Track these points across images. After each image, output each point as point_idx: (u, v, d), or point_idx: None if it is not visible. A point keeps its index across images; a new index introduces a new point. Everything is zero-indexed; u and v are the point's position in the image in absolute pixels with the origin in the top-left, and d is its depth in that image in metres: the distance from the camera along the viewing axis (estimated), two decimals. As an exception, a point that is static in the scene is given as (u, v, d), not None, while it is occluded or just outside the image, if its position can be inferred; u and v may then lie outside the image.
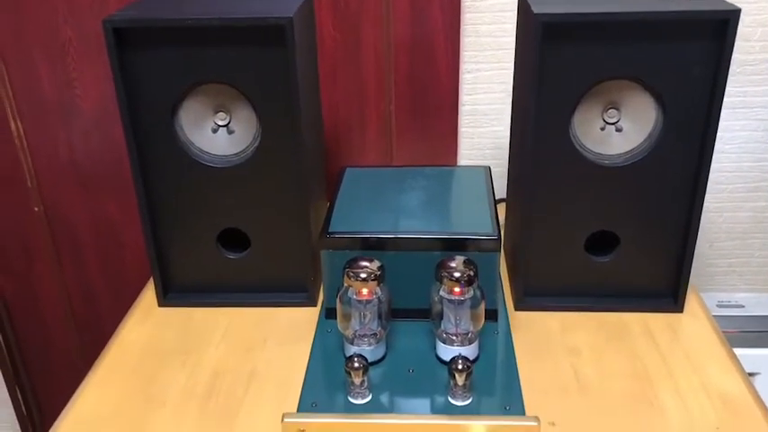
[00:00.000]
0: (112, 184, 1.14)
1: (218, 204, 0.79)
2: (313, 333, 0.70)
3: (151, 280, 0.85)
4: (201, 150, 0.77)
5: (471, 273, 0.61)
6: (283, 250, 0.81)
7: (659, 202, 0.75)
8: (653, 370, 0.72)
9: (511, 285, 0.84)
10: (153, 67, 0.72)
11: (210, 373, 0.73)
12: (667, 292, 0.80)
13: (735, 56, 1.02)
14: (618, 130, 0.74)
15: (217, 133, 0.77)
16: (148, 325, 0.81)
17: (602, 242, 0.79)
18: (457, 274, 0.61)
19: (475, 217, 0.72)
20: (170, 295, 0.84)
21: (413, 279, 0.68)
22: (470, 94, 1.08)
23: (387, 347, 0.66)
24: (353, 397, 0.60)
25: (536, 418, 0.57)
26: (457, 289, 0.61)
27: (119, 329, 0.81)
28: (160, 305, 0.84)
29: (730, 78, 1.04)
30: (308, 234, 0.79)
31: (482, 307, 0.63)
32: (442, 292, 0.62)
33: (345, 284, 0.62)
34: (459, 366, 0.58)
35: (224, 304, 0.83)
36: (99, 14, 1.01)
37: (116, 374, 0.74)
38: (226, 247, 0.82)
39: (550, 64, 0.70)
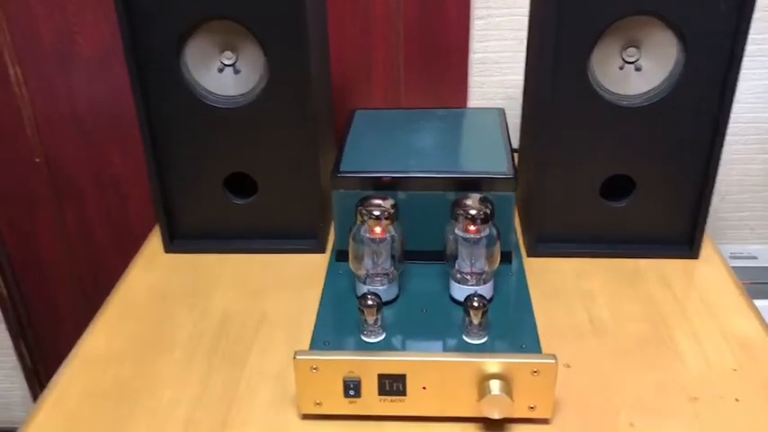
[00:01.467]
0: (115, 135, 1.12)
1: (224, 147, 0.77)
2: (323, 278, 0.69)
3: (156, 228, 0.84)
4: (207, 91, 0.75)
5: (487, 211, 0.59)
6: (292, 195, 0.79)
7: (678, 145, 0.74)
8: (668, 314, 0.71)
9: (523, 233, 0.82)
10: (157, 1, 0.69)
11: (219, 316, 0.72)
12: (683, 239, 0.79)
13: (754, 1, 0.99)
14: (637, 69, 0.72)
15: (223, 73, 0.75)
16: (155, 271, 0.80)
17: (617, 188, 0.77)
18: (473, 212, 0.59)
19: (490, 157, 0.70)
20: (176, 241, 0.83)
21: (426, 220, 0.66)
22: (481, 41, 1.05)
23: (399, 288, 0.64)
24: (366, 336, 0.59)
25: (553, 356, 0.56)
26: (472, 227, 0.60)
27: (124, 275, 0.80)
28: (166, 251, 0.83)
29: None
30: (317, 178, 0.78)
31: (497, 246, 0.61)
32: (457, 231, 0.60)
33: (358, 222, 0.61)
34: (475, 304, 0.56)
35: (231, 250, 0.82)
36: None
37: (123, 317, 0.73)
38: (233, 193, 0.81)
39: (569, -1, 0.67)
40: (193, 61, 0.74)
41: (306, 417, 0.59)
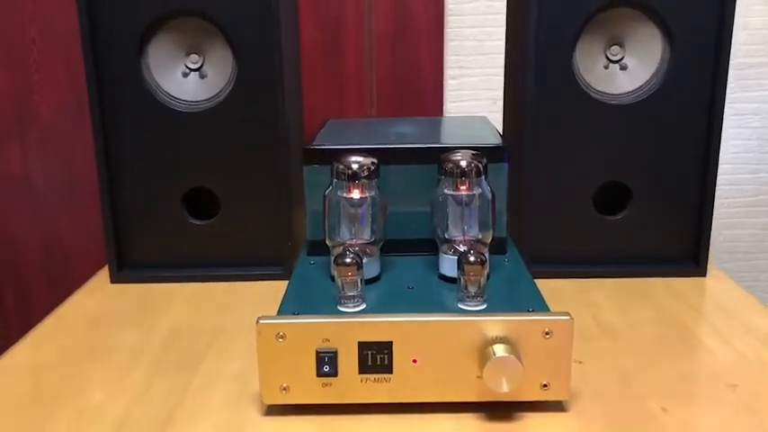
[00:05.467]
0: (68, 202, 1.04)
1: (185, 158, 0.70)
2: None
3: (104, 269, 0.74)
4: (170, 95, 0.70)
5: (480, 165, 0.53)
6: (257, 215, 0.71)
7: (672, 145, 0.69)
8: (685, 317, 0.62)
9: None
10: (120, -6, 0.66)
11: (168, 329, 0.62)
12: (687, 255, 0.72)
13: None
14: (622, 68, 0.69)
15: (188, 78, 0.70)
16: (97, 298, 0.70)
17: (612, 202, 0.71)
18: (464, 164, 0.52)
19: (477, 134, 0.64)
20: (125, 270, 0.73)
21: (410, 197, 0.59)
22: (454, 102, 1.03)
23: (381, 269, 0.55)
24: (344, 305, 0.49)
25: (567, 314, 0.47)
26: (464, 186, 0.52)
27: (61, 305, 0.69)
28: (113, 281, 0.72)
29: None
30: (287, 194, 0.71)
31: (493, 209, 0.53)
32: (446, 190, 0.53)
33: (334, 183, 0.53)
34: (471, 258, 0.48)
35: (187, 279, 0.72)
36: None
37: (57, 333, 0.62)
38: (191, 214, 0.73)
39: (549, -11, 0.66)
40: (156, 63, 0.69)
41: (269, 412, 0.48)
